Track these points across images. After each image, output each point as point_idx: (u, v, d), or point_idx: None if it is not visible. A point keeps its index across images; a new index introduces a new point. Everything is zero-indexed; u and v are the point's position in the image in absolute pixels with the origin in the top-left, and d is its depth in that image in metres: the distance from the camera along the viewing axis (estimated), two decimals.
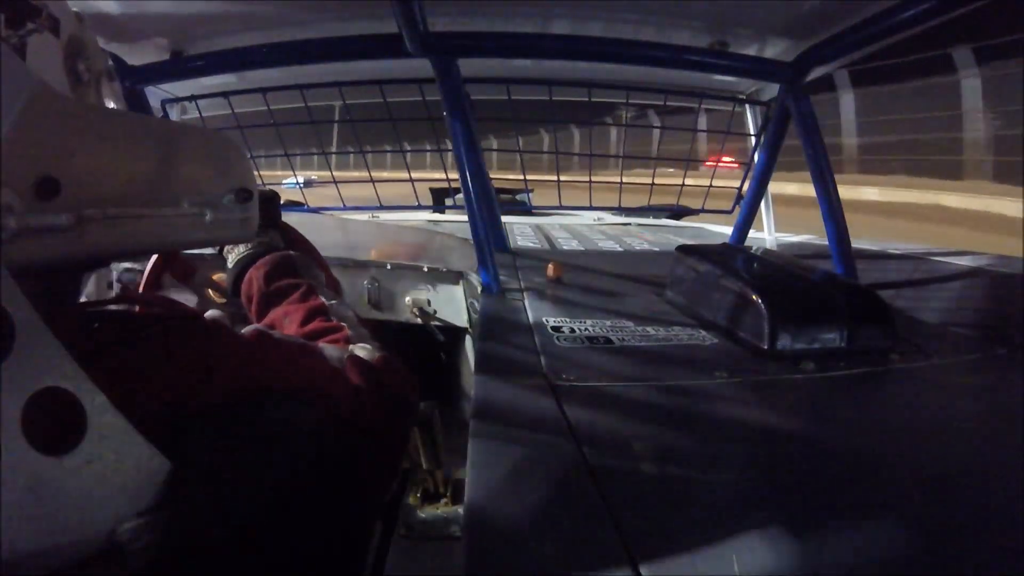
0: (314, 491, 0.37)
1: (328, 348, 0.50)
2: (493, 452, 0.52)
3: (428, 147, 1.81)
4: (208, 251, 0.64)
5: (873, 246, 1.79)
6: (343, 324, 0.57)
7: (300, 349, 0.47)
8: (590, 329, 0.88)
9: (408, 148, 1.82)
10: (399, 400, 0.53)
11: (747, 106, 1.74)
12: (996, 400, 0.71)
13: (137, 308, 0.47)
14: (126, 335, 0.37)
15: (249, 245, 0.66)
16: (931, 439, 0.59)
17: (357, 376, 0.48)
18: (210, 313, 0.45)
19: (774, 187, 1.63)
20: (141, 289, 0.91)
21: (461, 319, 1.33)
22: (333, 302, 0.61)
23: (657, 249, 1.74)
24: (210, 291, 0.73)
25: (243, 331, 0.46)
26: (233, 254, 0.67)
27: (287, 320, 0.58)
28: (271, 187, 0.77)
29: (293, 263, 0.65)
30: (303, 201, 1.90)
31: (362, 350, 0.52)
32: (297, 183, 1.89)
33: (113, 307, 0.44)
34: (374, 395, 0.48)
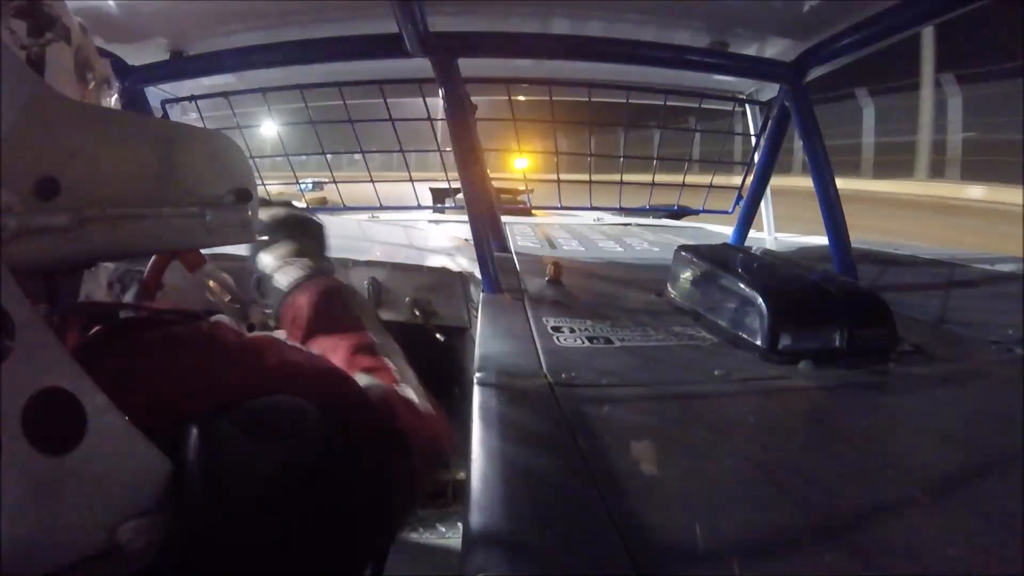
0: (315, 493, 0.37)
1: (363, 377, 0.49)
2: (494, 452, 0.52)
3: (428, 147, 1.81)
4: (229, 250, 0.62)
5: (873, 246, 1.79)
6: (390, 364, 0.55)
7: (325, 366, 0.46)
8: (590, 329, 0.88)
9: (408, 148, 1.82)
10: (437, 453, 0.51)
11: (747, 106, 1.74)
12: (996, 400, 0.71)
13: (143, 310, 0.47)
14: (131, 337, 0.37)
15: (303, 268, 0.63)
16: (931, 439, 0.59)
17: (404, 412, 0.47)
18: (217, 317, 0.44)
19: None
20: (142, 288, 0.91)
21: (461, 319, 1.33)
22: (381, 340, 0.58)
23: (657, 249, 1.74)
24: (213, 283, 0.72)
25: (254, 335, 0.45)
26: (284, 276, 0.63)
27: (332, 353, 0.55)
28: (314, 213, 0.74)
29: (341, 293, 0.62)
30: (303, 202, 1.91)
31: (410, 392, 0.51)
32: (300, 184, 1.90)
33: (119, 309, 0.44)
34: (416, 441, 0.47)
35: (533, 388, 0.66)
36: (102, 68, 0.44)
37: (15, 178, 0.29)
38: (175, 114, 1.60)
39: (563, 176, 1.82)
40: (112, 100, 0.46)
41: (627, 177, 1.86)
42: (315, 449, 0.37)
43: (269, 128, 1.76)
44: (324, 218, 0.74)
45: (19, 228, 0.29)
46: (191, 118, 1.59)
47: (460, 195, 1.26)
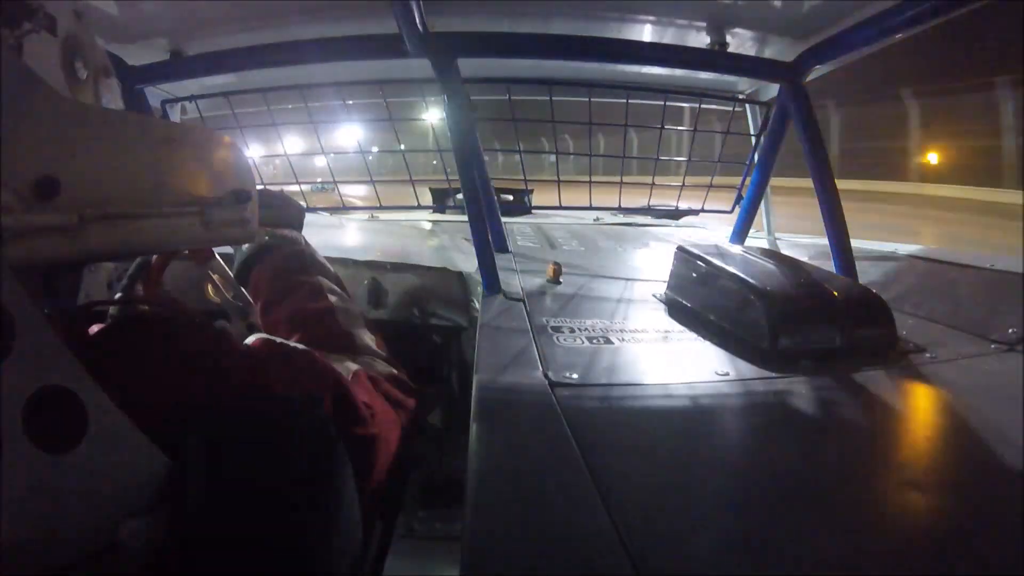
0: (314, 491, 0.37)
1: (337, 361, 0.50)
2: (493, 452, 0.52)
3: (428, 148, 1.81)
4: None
5: (873, 246, 1.79)
6: (352, 332, 0.56)
7: (307, 362, 0.47)
8: (590, 329, 0.88)
9: (408, 149, 1.82)
10: (405, 414, 0.53)
11: (747, 106, 1.74)
12: (995, 399, 0.71)
13: (145, 309, 0.47)
14: (133, 335, 0.37)
15: (262, 237, 0.64)
16: (930, 438, 0.60)
17: (365, 392, 0.48)
18: (219, 323, 0.45)
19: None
20: (143, 288, 0.91)
21: (461, 319, 1.33)
22: (343, 305, 0.59)
23: (657, 249, 1.74)
24: (217, 277, 0.72)
25: (249, 341, 0.45)
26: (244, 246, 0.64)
27: (294, 321, 0.56)
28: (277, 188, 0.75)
29: (303, 258, 0.63)
30: (304, 203, 1.91)
31: (372, 362, 0.52)
32: (302, 184, 1.90)
33: (120, 307, 0.44)
34: (380, 409, 0.48)
35: (533, 388, 0.66)
36: (97, 58, 0.43)
37: (15, 178, 0.29)
38: (175, 114, 1.60)
39: (572, 177, 1.82)
40: (114, 88, 0.46)
41: (627, 177, 1.86)
42: (312, 448, 0.37)
43: (270, 129, 1.76)
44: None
45: (19, 228, 0.29)
46: (191, 118, 1.59)
47: (460, 195, 1.26)
